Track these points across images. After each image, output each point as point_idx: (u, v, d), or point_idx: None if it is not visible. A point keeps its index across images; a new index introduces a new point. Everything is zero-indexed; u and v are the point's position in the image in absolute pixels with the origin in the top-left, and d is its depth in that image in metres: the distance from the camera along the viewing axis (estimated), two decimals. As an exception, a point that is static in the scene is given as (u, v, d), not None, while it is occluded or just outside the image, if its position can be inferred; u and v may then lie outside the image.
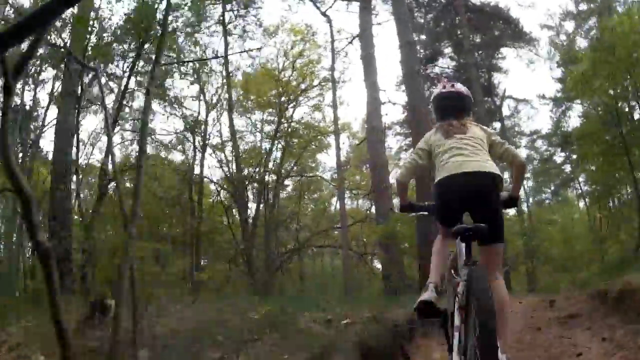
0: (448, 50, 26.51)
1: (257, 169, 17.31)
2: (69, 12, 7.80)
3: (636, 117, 16.53)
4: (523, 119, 31.26)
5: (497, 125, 26.95)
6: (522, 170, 3.60)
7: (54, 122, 12.27)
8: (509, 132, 27.80)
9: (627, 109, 16.48)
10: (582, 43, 24.10)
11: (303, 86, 17.98)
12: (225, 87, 16.80)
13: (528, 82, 65.22)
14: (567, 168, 29.26)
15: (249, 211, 16.90)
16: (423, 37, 25.59)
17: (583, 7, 22.64)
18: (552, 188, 31.97)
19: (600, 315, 6.52)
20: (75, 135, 11.16)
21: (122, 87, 12.72)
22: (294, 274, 19.50)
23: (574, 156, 27.23)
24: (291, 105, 18.15)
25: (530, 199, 31.18)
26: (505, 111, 29.30)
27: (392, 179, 16.27)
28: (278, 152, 18.24)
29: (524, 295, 13.64)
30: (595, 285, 8.43)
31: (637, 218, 12.99)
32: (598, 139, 16.51)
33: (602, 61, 14.95)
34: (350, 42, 18.55)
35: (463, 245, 2.96)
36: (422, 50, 24.88)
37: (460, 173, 3.16)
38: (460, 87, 3.72)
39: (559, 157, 29.62)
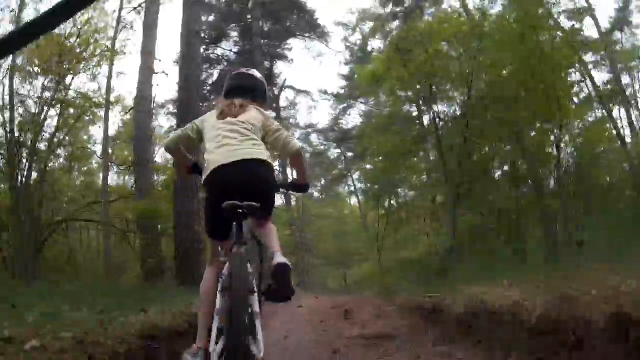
0: (235, 34, 25.56)
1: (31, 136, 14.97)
2: None
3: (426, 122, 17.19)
4: (301, 112, 31.65)
5: (273, 114, 26.48)
6: (297, 157, 3.24)
7: None
8: (283, 123, 27.56)
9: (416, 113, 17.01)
10: (377, 44, 24.83)
11: (85, 55, 15.80)
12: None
13: (312, 76, 66.55)
14: (341, 164, 30.15)
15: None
16: (212, 18, 24.47)
17: (389, 9, 22.98)
18: (323, 182, 32.90)
19: (428, 339, 4.94)
20: None
21: None
22: (59, 251, 16.88)
23: (350, 154, 28.34)
24: (70, 72, 15.68)
25: (300, 192, 31.57)
26: (284, 102, 29.24)
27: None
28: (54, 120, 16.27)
29: (299, 293, 12.75)
30: (407, 294, 7.41)
31: (451, 220, 12.50)
32: (384, 138, 16.68)
33: (397, 63, 15.09)
34: (137, 10, 17.16)
35: (234, 223, 2.71)
36: (207, 31, 23.93)
37: (228, 164, 2.85)
38: (255, 71, 3.54)
39: (333, 153, 30.39)
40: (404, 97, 16.86)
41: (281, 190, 3.51)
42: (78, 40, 16.05)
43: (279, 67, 27.00)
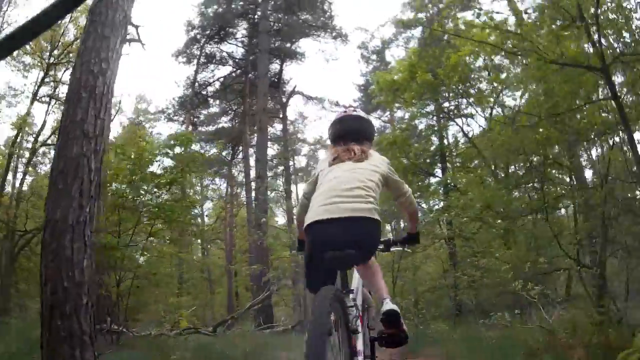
0: (242, 31, 23.98)
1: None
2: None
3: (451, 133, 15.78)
4: (307, 123, 29.93)
5: (279, 126, 25.43)
6: (415, 214, 3.35)
7: None
8: (291, 138, 25.99)
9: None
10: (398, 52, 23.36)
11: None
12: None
13: (324, 86, 59.40)
14: None
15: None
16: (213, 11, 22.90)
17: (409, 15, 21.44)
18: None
19: None
20: None
21: None
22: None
23: None
24: (63, 62, 15.41)
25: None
26: (292, 113, 27.69)
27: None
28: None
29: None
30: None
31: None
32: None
33: (422, 68, 13.61)
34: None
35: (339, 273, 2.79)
36: (210, 25, 22.99)
37: (331, 219, 2.67)
38: (360, 111, 3.32)
39: None
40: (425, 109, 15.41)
41: (392, 248, 3.47)
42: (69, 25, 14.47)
43: (289, 71, 25.35)
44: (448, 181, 14.73)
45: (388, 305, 2.64)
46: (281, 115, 24.72)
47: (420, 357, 6.82)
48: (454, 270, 10.91)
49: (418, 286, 12.18)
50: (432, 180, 16.28)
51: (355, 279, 3.11)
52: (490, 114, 13.63)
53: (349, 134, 3.06)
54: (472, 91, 14.24)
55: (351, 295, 2.79)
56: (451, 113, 14.98)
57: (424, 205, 17.81)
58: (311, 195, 2.94)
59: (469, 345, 6.62)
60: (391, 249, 3.45)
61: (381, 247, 3.31)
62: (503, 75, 12.91)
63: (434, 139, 16.46)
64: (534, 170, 10.09)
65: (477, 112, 14.43)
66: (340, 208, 2.65)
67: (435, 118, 15.94)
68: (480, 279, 9.32)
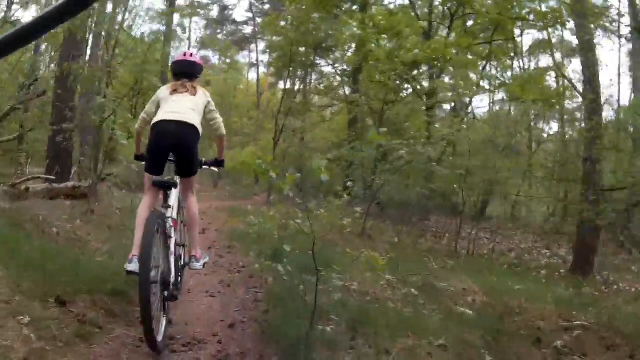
0: None
1: None
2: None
3: None
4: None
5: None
6: (221, 138, 4.50)
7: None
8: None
9: None
10: None
11: None
12: None
13: None
14: (248, 28, 25.31)
15: None
16: None
17: None
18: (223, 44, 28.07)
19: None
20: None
21: None
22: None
23: (259, 19, 23.38)
24: None
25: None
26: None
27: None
28: None
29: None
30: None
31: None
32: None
33: None
34: None
35: (161, 192, 3.96)
36: None
37: (171, 120, 3.89)
38: (195, 56, 4.57)
39: (243, 16, 25.58)
40: None
41: (203, 167, 4.42)
42: None
43: None
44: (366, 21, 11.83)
45: (196, 264, 4.03)
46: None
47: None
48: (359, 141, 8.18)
49: (307, 156, 9.37)
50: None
51: (173, 197, 3.99)
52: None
53: (186, 73, 4.25)
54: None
55: (169, 210, 3.85)
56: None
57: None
58: (152, 113, 4.11)
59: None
60: (202, 167, 4.42)
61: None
62: None
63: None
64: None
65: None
66: (178, 115, 3.89)
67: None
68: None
